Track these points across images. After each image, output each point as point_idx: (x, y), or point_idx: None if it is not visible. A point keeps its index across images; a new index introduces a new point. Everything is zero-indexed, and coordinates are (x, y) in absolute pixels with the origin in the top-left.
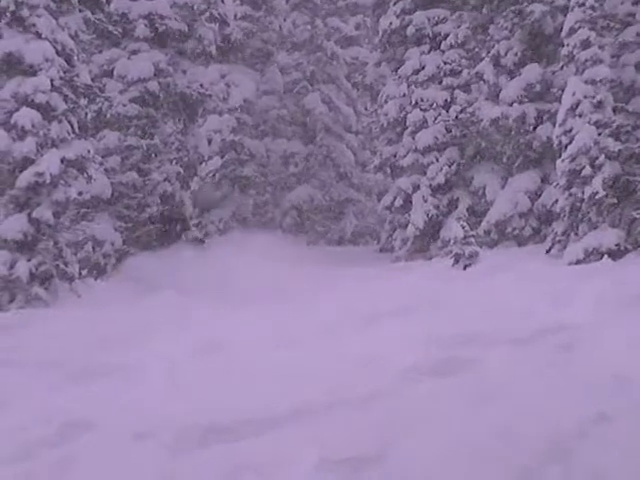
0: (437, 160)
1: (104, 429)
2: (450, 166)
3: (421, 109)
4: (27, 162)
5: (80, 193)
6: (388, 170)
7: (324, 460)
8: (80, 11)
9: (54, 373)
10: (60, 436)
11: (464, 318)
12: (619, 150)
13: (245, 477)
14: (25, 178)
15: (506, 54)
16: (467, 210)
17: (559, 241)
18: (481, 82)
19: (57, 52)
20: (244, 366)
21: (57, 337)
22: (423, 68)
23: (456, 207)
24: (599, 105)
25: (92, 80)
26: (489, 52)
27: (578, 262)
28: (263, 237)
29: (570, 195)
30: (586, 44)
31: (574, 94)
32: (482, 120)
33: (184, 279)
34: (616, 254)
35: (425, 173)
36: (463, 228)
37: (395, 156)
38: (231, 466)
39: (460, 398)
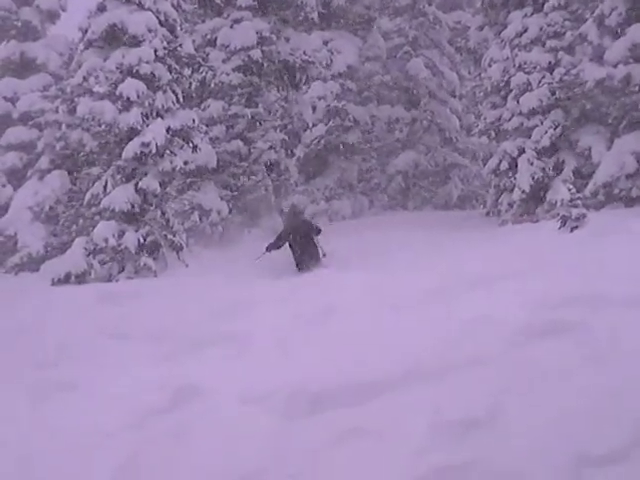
0: (542, 123)
1: (215, 396)
2: (555, 129)
3: (525, 72)
4: (133, 133)
5: (186, 162)
6: (493, 134)
7: (436, 422)
8: None
9: (165, 342)
10: (173, 403)
11: (573, 280)
12: None
13: (356, 441)
14: (131, 149)
15: (610, 14)
16: (573, 172)
17: None
18: (585, 43)
19: (160, 22)
20: (353, 331)
21: (167, 307)
22: (526, 31)
23: (562, 170)
24: None
25: (195, 50)
26: (593, 13)
27: None
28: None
29: None
30: None
31: None
32: (587, 82)
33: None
34: None
35: (530, 136)
36: (569, 190)
37: (499, 120)
38: (342, 430)
39: (570, 360)
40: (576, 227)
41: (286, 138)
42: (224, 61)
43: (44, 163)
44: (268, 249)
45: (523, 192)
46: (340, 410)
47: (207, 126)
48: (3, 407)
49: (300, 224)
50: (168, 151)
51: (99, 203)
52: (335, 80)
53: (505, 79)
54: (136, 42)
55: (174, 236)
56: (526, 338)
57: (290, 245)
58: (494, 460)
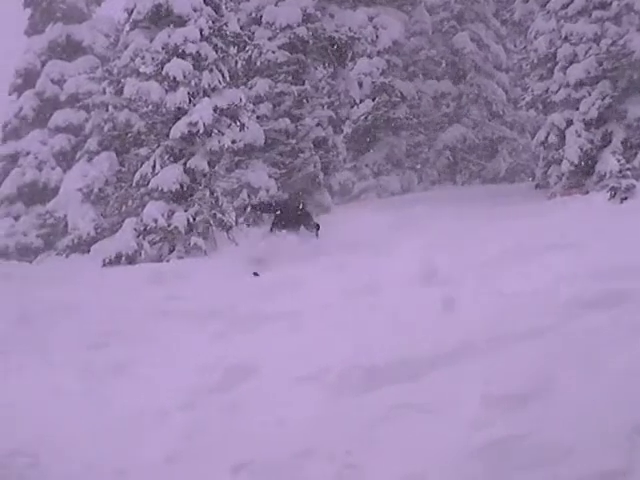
0: (589, 94)
1: (267, 374)
2: (603, 100)
3: (571, 43)
4: (180, 112)
5: (234, 141)
6: (540, 106)
7: (487, 397)
8: None
9: (216, 321)
10: (226, 382)
11: (623, 250)
12: None
13: (409, 417)
14: (179, 128)
15: None
16: (622, 143)
17: None
18: (632, 13)
19: (205, 1)
20: (402, 306)
21: (217, 286)
22: (572, 2)
23: (610, 141)
24: None
25: (241, 28)
26: None
27: None
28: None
29: None
30: None
31: None
32: (634, 52)
33: (336, 224)
34: None
35: (578, 108)
36: (619, 161)
37: (547, 92)
38: (394, 406)
39: (621, 331)
40: (626, 198)
41: (333, 115)
42: (270, 39)
43: (92, 145)
44: (255, 208)
45: (572, 164)
46: (393, 385)
47: (254, 104)
48: (57, 388)
49: (298, 212)
50: (216, 130)
51: (148, 183)
52: (381, 56)
53: (551, 51)
54: (182, 22)
55: (223, 215)
56: (578, 310)
57: (274, 222)
58: (547, 432)
